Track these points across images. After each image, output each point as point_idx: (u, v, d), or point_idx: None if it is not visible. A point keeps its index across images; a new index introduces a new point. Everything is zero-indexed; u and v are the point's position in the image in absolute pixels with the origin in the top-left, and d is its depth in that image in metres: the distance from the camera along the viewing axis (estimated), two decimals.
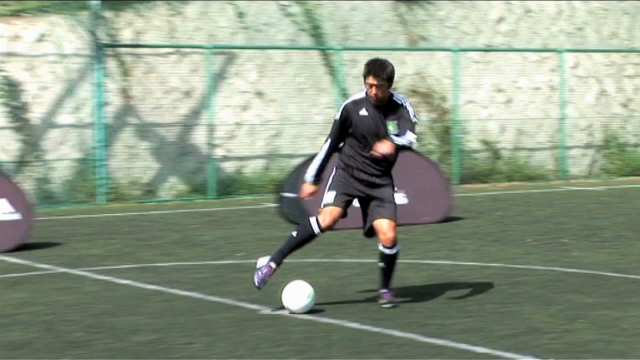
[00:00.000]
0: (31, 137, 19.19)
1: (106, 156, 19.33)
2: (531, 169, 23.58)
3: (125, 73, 20.16)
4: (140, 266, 11.77)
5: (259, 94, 21.26)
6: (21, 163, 18.92)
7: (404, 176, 15.32)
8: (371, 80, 8.84)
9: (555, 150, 24.09)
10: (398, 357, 7.37)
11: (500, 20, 24.60)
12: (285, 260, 11.50)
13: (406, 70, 23.08)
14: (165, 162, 20.22)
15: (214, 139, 20.33)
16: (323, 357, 7.37)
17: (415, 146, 9.25)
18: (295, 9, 22.37)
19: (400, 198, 15.23)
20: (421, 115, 23.04)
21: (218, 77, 20.81)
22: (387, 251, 9.03)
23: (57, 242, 13.73)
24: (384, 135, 8.87)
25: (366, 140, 8.91)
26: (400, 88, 23.02)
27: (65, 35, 19.71)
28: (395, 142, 8.84)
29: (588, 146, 24.73)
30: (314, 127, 21.01)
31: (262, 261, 9.03)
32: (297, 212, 14.70)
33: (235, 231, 14.89)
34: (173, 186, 20.20)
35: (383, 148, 8.74)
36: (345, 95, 21.88)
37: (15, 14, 19.83)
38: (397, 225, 9.07)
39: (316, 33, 22.42)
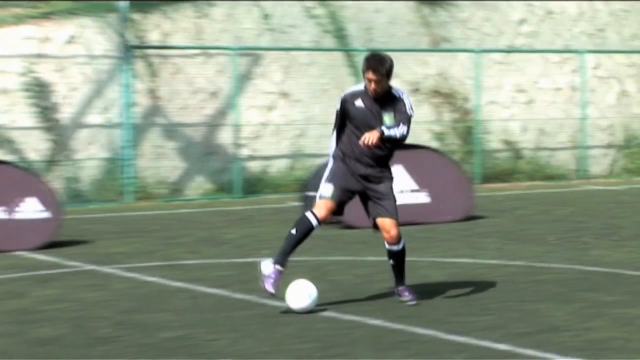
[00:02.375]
0: (61, 137, 19.27)
1: (134, 156, 19.38)
2: (552, 168, 23.50)
3: (153, 74, 20.21)
4: (166, 264, 11.79)
5: (284, 95, 21.27)
6: (51, 162, 19.00)
7: (426, 175, 15.35)
8: (370, 75, 8.75)
9: (575, 150, 24.00)
10: (420, 353, 7.36)
11: (522, 21, 24.52)
12: (309, 258, 11.52)
13: (429, 71, 23.06)
14: (191, 162, 20.27)
15: (239, 138, 20.35)
16: (346, 354, 7.37)
17: (409, 139, 9.07)
18: (319, 10, 22.38)
19: (422, 197, 15.26)
20: (443, 116, 23.02)
21: (243, 78, 20.83)
22: (394, 248, 9.05)
23: (85, 240, 13.77)
24: (378, 127, 8.75)
25: (361, 131, 8.81)
26: (423, 89, 23.01)
27: (94, 37, 19.78)
28: (386, 133, 8.71)
29: (609, 146, 24.62)
30: None
31: (267, 267, 8.81)
32: None
33: (260, 230, 14.89)
34: (199, 185, 20.24)
35: (368, 138, 8.64)
36: None
37: (46, 16, 19.92)
38: (398, 220, 9.04)
39: (340, 35, 22.41)
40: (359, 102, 8.86)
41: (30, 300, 9.54)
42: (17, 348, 7.65)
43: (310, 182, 15.10)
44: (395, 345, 7.62)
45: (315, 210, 8.89)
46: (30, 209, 13.05)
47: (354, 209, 14.60)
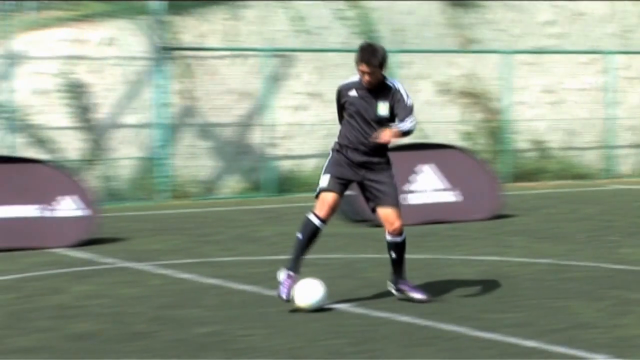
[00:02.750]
0: (97, 136, 19.39)
1: (167, 155, 19.47)
2: (579, 167, 23.41)
3: (187, 75, 20.30)
4: (200, 261, 11.85)
5: (315, 95, 21.30)
6: (88, 162, 19.12)
7: (455, 174, 15.35)
8: (364, 67, 8.64)
9: (603, 150, 23.90)
10: (449, 350, 7.37)
11: (550, 22, 24.43)
12: (340, 256, 11.55)
13: (458, 72, 23.04)
14: (224, 161, 20.34)
15: (271, 138, 20.40)
16: (376, 349, 7.39)
17: (415, 133, 8.96)
18: (350, 12, 22.39)
19: (451, 196, 15.25)
20: (472, 116, 22.98)
21: (275, 79, 20.88)
22: (398, 239, 8.86)
23: (122, 237, 13.85)
24: (372, 116, 8.69)
25: (356, 120, 8.76)
26: (452, 89, 22.99)
27: (130, 38, 19.89)
28: (402, 129, 8.62)
29: (636, 146, 24.49)
30: None
31: (281, 274, 8.81)
32: (351, 209, 14.73)
33: (291, 227, 14.89)
34: (232, 184, 20.31)
35: (384, 136, 8.57)
36: None
37: (83, 18, 20.05)
38: (401, 211, 8.86)
39: (370, 36, 22.40)
40: (352, 93, 8.78)
41: (69, 296, 9.61)
42: (56, 342, 7.72)
43: None
44: (424, 341, 7.63)
45: (316, 210, 8.77)
46: (68, 207, 13.14)
47: None
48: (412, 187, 14.97)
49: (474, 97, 23.12)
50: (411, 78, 22.43)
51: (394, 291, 9.06)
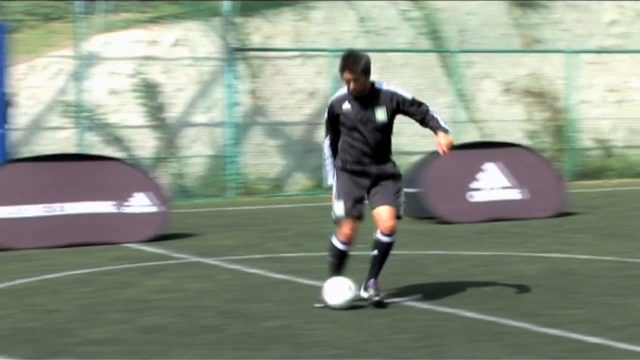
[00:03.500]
0: (168, 135, 19.51)
1: (237, 153, 19.54)
2: None
3: (255, 75, 20.35)
4: (268, 256, 11.86)
5: None
6: (158, 159, 19.25)
7: (519, 172, 15.21)
8: (347, 75, 8.42)
9: None
10: (513, 346, 7.28)
11: (613, 22, 24.12)
12: (405, 252, 11.51)
13: (521, 72, 22.84)
14: (291, 159, 20.35)
15: None
16: (441, 345, 7.33)
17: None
18: (415, 13, 22.29)
19: (515, 194, 15.11)
20: (535, 115, 22.76)
21: (339, 79, 20.83)
22: (386, 239, 8.54)
23: (191, 233, 13.92)
24: (372, 124, 8.45)
25: (354, 132, 8.50)
26: (515, 88, 22.78)
27: (200, 40, 19.99)
28: (445, 127, 8.41)
29: None
30: None
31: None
32: (415, 207, 14.66)
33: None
34: (299, 181, 20.32)
35: (444, 144, 8.32)
36: (462, 95, 21.74)
37: (153, 20, 20.20)
38: (399, 212, 8.58)
39: (435, 36, 22.29)
40: (346, 105, 8.52)
41: (140, 290, 9.67)
42: (127, 335, 7.76)
43: (405, 179, 15.05)
44: (488, 337, 7.55)
45: (339, 235, 8.61)
46: (140, 203, 13.23)
47: (449, 204, 14.58)
48: (477, 184, 14.86)
49: (538, 96, 22.90)
50: (473, 77, 22.28)
51: (365, 295, 8.61)
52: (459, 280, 9.96)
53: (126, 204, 13.14)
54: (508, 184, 15.06)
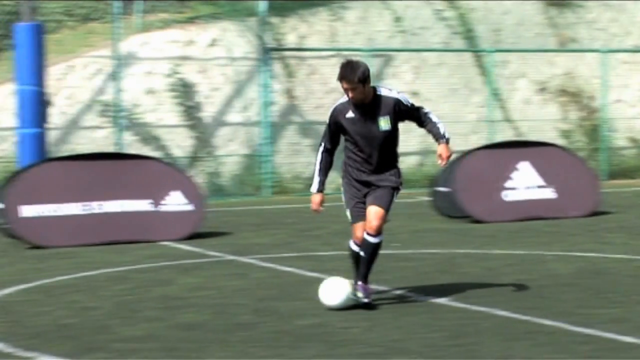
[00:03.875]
0: (203, 134, 19.59)
1: (271, 152, 19.58)
2: None
3: (290, 75, 20.39)
4: (302, 255, 11.88)
5: (415, 94, 21.20)
6: (194, 158, 19.33)
7: (553, 172, 15.14)
8: (345, 85, 8.33)
9: None
10: (546, 344, 7.26)
11: None
12: (438, 251, 11.50)
13: (556, 71, 22.73)
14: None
15: None
16: (474, 343, 7.32)
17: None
18: (449, 13, 22.24)
19: (549, 193, 15.04)
20: (570, 114, 22.65)
21: (375, 79, 20.83)
22: (371, 239, 8.43)
23: (226, 231, 13.96)
24: (375, 133, 8.43)
25: (357, 141, 8.49)
26: (550, 88, 22.68)
27: (235, 40, 20.05)
28: (447, 137, 8.47)
29: None
30: (466, 125, 20.84)
31: (359, 294, 8.53)
32: (449, 206, 14.64)
33: (390, 223, 14.73)
34: (333, 180, 20.25)
35: (445, 157, 8.39)
36: (496, 95, 21.66)
37: (190, 20, 20.29)
38: (386, 215, 8.53)
39: (469, 36, 22.24)
40: (349, 114, 8.46)
41: (175, 288, 9.72)
42: (163, 332, 7.81)
43: (439, 178, 15.04)
44: (521, 335, 7.54)
45: (354, 238, 8.62)
46: (175, 202, 13.29)
47: (483, 203, 14.54)
48: (511, 184, 14.81)
49: (573, 95, 22.78)
50: (507, 77, 22.20)
51: (360, 295, 8.49)
52: (493, 279, 9.94)
53: (162, 202, 13.21)
54: (542, 183, 15.00)
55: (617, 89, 22.73)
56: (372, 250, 8.47)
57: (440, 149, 8.47)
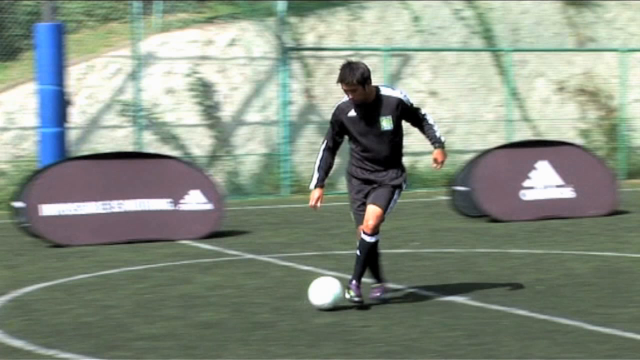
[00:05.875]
0: (222, 133, 19.61)
1: (290, 151, 19.58)
2: None
3: (308, 74, 20.38)
4: (321, 253, 11.88)
5: (433, 94, 21.17)
6: (213, 157, 19.36)
7: (571, 171, 15.09)
8: (344, 86, 8.29)
9: None
10: (564, 344, 7.23)
11: None
12: (456, 250, 11.46)
13: (574, 70, 22.65)
14: (343, 157, 20.23)
15: None
16: (493, 342, 7.30)
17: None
18: (467, 12, 22.19)
19: (567, 192, 14.99)
20: (589, 113, 22.56)
21: (394, 78, 20.82)
22: (367, 238, 8.41)
23: (245, 230, 13.97)
24: (376, 133, 8.36)
25: (360, 140, 8.44)
26: (569, 87, 22.60)
27: (254, 39, 20.06)
28: (443, 141, 8.51)
29: None
30: (484, 125, 20.79)
31: (375, 293, 8.66)
32: (468, 205, 14.60)
33: (409, 222, 14.85)
34: None
35: (440, 161, 8.42)
36: (514, 94, 21.60)
37: (209, 20, 20.31)
38: (385, 213, 8.48)
39: (488, 35, 22.18)
40: (351, 113, 8.42)
41: (195, 286, 9.73)
42: (182, 330, 7.81)
43: (458, 177, 15.01)
44: (540, 335, 7.51)
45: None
46: (195, 201, 13.31)
47: (501, 203, 14.50)
48: (529, 183, 14.77)
49: (592, 95, 22.69)
50: (526, 77, 22.13)
51: (347, 296, 8.43)
52: (511, 278, 9.90)
53: (182, 201, 13.23)
54: (561, 183, 14.95)
55: (635, 88, 22.62)
56: (368, 250, 8.46)
57: (436, 153, 8.51)
